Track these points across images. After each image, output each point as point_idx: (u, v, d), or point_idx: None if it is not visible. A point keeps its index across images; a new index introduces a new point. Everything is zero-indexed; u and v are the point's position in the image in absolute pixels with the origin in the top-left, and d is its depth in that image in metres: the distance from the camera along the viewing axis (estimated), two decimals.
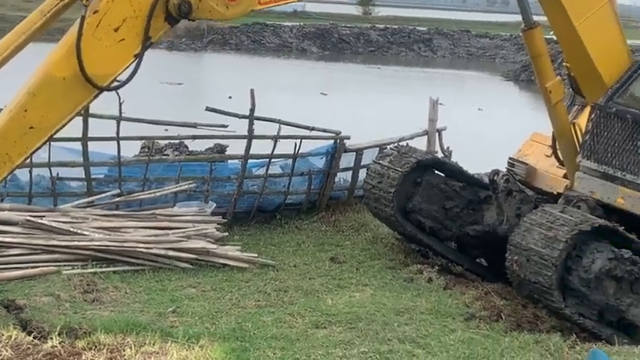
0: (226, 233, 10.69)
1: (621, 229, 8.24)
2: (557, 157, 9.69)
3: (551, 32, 9.07)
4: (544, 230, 8.07)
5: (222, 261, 9.79)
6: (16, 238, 9.22)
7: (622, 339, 8.00)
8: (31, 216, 9.55)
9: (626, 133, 8.62)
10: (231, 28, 59.86)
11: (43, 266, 8.86)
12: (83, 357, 5.77)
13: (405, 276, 9.81)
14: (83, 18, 5.66)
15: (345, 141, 12.47)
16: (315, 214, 12.23)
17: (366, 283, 9.55)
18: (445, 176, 10.45)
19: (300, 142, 11.99)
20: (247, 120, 11.41)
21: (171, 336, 6.84)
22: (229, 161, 12.38)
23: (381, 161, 10.47)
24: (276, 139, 11.69)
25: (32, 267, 8.82)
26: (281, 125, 11.70)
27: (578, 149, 9.19)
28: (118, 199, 10.88)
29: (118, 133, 10.88)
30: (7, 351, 5.75)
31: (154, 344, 6.20)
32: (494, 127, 26.19)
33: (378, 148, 12.84)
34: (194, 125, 11.93)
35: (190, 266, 9.60)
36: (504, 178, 9.53)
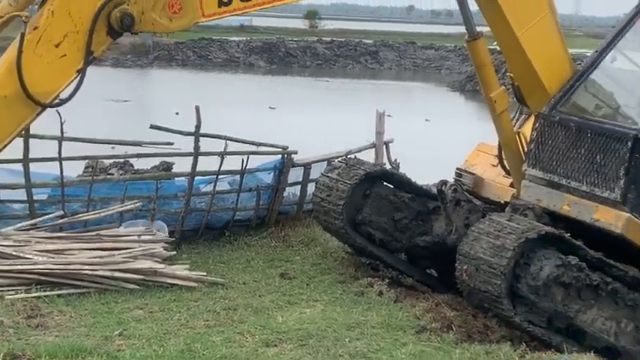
0: (174, 252, 10.54)
1: (568, 236, 8.30)
2: (503, 167, 9.74)
3: (495, 43, 9.13)
4: (492, 239, 8.10)
5: (170, 281, 9.63)
6: None
7: (571, 346, 8.03)
8: None
9: (569, 140, 8.69)
10: (177, 43, 59.64)
11: None
12: None
13: (356, 290, 9.75)
14: (23, 35, 5.53)
15: (292, 156, 12.41)
16: (265, 229, 12.13)
17: (317, 298, 9.47)
18: (394, 188, 10.45)
19: (248, 158, 11.90)
20: (193, 137, 11.30)
21: None
22: (176, 179, 12.24)
23: (329, 174, 10.45)
24: (222, 155, 11.58)
25: None
26: (228, 141, 11.60)
27: (524, 158, 9.25)
28: (61, 220, 10.67)
29: (60, 153, 10.68)
30: None
31: None
32: (441, 137, 26.37)
33: (326, 162, 12.81)
34: (139, 143, 11.77)
35: (137, 287, 9.43)
36: (452, 188, 9.56)
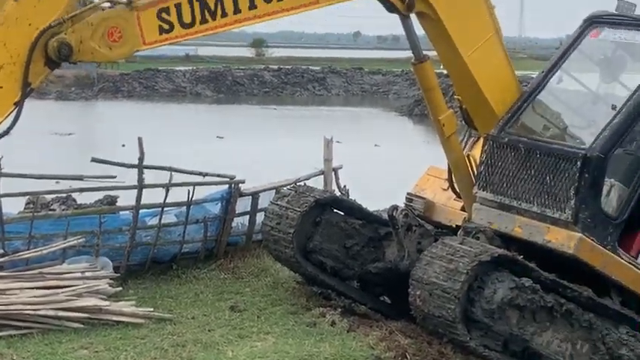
0: (120, 288, 10.25)
1: (520, 257, 8.25)
2: (453, 190, 9.71)
3: (442, 66, 9.11)
4: (445, 263, 8.03)
5: (116, 318, 9.36)
6: None
7: None
8: None
9: (519, 162, 8.68)
10: (122, 75, 59.32)
11: None
12: None
13: (308, 320, 9.57)
14: None
15: (240, 185, 12.24)
16: (213, 261, 11.90)
17: (268, 330, 9.26)
18: (344, 214, 10.36)
19: (194, 188, 11.69)
20: (137, 169, 11.06)
21: None
22: (120, 212, 11.96)
23: (278, 202, 10.33)
24: (167, 187, 11.36)
25: None
26: (173, 173, 11.39)
27: (474, 181, 9.21)
28: (2, 259, 10.31)
29: None
30: None
31: None
32: (391, 162, 26.42)
33: (274, 191, 12.65)
34: (80, 178, 11.50)
35: (82, 326, 9.14)
36: (403, 213, 9.51)
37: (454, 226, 9.69)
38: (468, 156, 9.46)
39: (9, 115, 5.68)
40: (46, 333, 8.95)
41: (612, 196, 8.46)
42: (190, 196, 11.66)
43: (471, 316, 7.98)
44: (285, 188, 11.23)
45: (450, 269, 7.94)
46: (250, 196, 12.45)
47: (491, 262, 8.04)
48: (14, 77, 5.57)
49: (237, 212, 12.27)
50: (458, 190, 9.64)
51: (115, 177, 11.50)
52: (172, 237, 11.91)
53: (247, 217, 12.56)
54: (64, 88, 54.38)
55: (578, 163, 8.19)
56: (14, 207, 12.30)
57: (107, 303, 9.49)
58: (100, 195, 14.65)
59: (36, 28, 5.58)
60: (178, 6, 6.14)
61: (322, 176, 13.91)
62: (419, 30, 8.56)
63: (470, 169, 9.32)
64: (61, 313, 9.12)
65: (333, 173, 14.04)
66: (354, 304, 10.33)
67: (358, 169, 18.41)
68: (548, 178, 8.42)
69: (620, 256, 8.48)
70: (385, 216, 9.92)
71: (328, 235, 10.10)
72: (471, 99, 9.03)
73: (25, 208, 13.37)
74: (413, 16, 8.23)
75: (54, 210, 13.50)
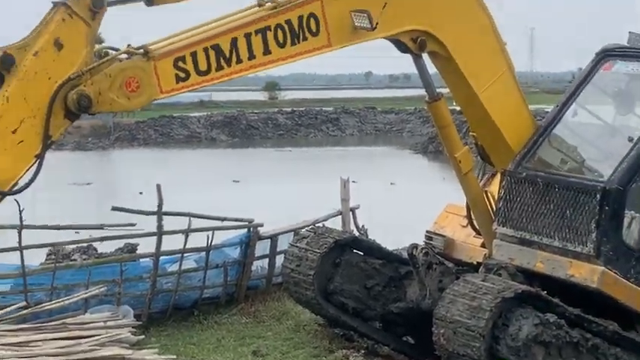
0: (142, 336, 10.23)
1: (544, 293, 8.18)
2: (473, 227, 9.67)
3: (455, 102, 9.14)
4: (468, 300, 7.97)
5: None
6: None
7: None
8: None
9: (537, 196, 8.64)
10: (138, 123, 59.70)
11: None
12: None
13: None
14: None
15: (259, 228, 12.26)
16: (234, 306, 11.89)
17: None
18: (364, 254, 10.33)
19: (213, 233, 11.73)
20: (156, 216, 11.10)
21: None
22: (140, 260, 11.99)
23: (298, 244, 10.32)
24: (187, 233, 11.39)
25: None
26: (192, 218, 11.43)
27: (493, 217, 9.17)
28: (24, 311, 10.32)
29: (20, 242, 10.42)
30: None
31: None
32: (408, 200, 26.36)
33: (293, 233, 12.65)
34: (101, 227, 11.56)
35: None
36: (423, 251, 9.44)
37: (475, 263, 9.63)
38: (486, 192, 9.43)
39: (30, 168, 5.70)
40: None
41: (633, 228, 8.40)
42: (210, 241, 11.69)
43: (496, 353, 7.89)
44: (304, 230, 11.23)
45: (473, 307, 7.88)
46: (269, 239, 12.45)
47: (514, 299, 7.97)
48: (35, 131, 5.58)
49: (256, 255, 12.28)
50: (477, 227, 9.60)
51: (134, 225, 11.54)
52: (193, 283, 11.92)
53: (267, 260, 12.56)
54: (81, 139, 54.79)
55: (598, 196, 8.14)
56: (36, 258, 12.37)
57: (130, 351, 9.45)
58: (120, 243, 14.70)
59: (55, 81, 5.62)
60: (194, 54, 6.20)
61: (340, 217, 13.91)
62: (431, 68, 8.60)
63: (488, 205, 9.29)
64: None
65: (350, 213, 14.04)
66: (377, 345, 10.23)
67: (375, 208, 18.36)
68: (568, 211, 8.37)
69: None
70: (405, 255, 9.89)
71: (348, 275, 10.05)
72: (487, 135, 9.04)
73: (46, 259, 13.45)
74: (425, 55, 8.27)
75: (75, 260, 13.55)
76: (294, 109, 70.08)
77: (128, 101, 5.98)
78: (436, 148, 42.98)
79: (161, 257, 11.36)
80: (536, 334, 7.85)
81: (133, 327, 10.23)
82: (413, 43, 7.86)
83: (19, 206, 9.64)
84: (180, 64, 6.14)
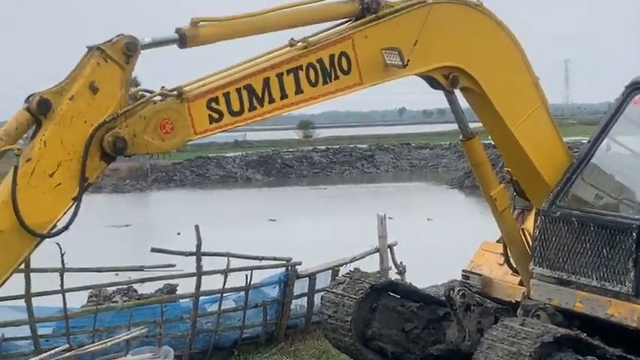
0: None
1: (583, 335, 8.04)
2: (509, 265, 9.45)
3: (489, 137, 9.08)
4: (507, 346, 7.83)
5: None
6: None
7: None
8: None
9: (573, 235, 8.45)
10: (174, 164, 60.29)
11: None
12: None
13: None
14: (16, 167, 5.48)
15: (297, 267, 12.30)
16: (274, 345, 11.90)
17: None
18: (401, 297, 10.20)
19: (251, 273, 11.79)
20: (195, 257, 11.20)
21: None
22: (180, 300, 12.07)
23: (334, 290, 10.20)
24: (226, 273, 11.46)
25: None
26: (230, 258, 11.51)
27: (530, 255, 9.06)
28: (68, 353, 10.37)
29: (62, 285, 10.58)
30: None
31: None
32: (445, 235, 26.25)
33: (331, 271, 12.68)
34: (140, 268, 11.68)
35: None
36: (460, 293, 9.33)
37: (514, 301, 9.52)
38: (523, 230, 9.31)
39: (68, 211, 5.77)
40: None
41: None
42: (248, 281, 11.74)
43: None
44: (340, 275, 11.16)
45: (512, 352, 7.75)
46: (307, 278, 12.47)
47: (554, 343, 7.82)
48: (71, 174, 5.58)
49: (295, 294, 12.30)
50: (514, 265, 9.49)
51: (174, 265, 11.65)
52: (232, 322, 11.97)
53: (305, 298, 12.57)
54: (118, 181, 55.42)
55: (634, 234, 7.96)
56: (78, 301, 12.50)
57: None
58: (160, 284, 14.81)
59: (91, 124, 5.62)
60: (227, 95, 6.19)
61: (378, 254, 13.89)
62: (464, 103, 8.57)
63: (525, 243, 9.16)
64: None
65: (388, 250, 14.01)
66: None
67: (413, 244, 18.33)
68: (604, 250, 8.20)
69: None
70: (443, 293, 9.82)
71: (386, 320, 9.95)
72: (522, 170, 8.95)
73: (88, 302, 13.56)
74: (457, 91, 8.26)
75: (116, 302, 13.66)
76: (329, 146, 70.35)
77: (163, 143, 5.96)
78: (472, 182, 42.78)
79: (200, 297, 11.43)
80: None
81: None
82: (445, 80, 7.82)
83: (61, 249, 9.79)
84: (214, 104, 6.14)
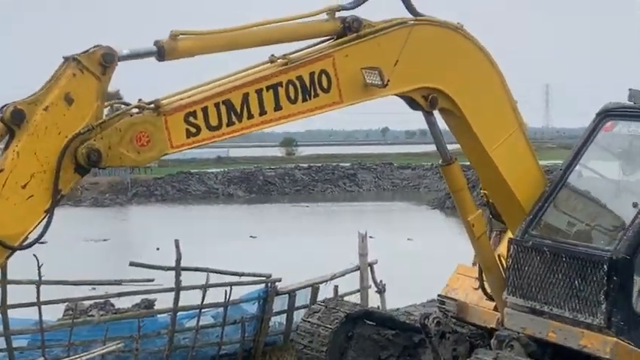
0: None
1: None
2: (484, 291, 9.32)
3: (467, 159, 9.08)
4: None
5: None
6: None
7: None
8: None
9: (545, 266, 8.34)
10: (155, 179, 60.09)
11: None
12: None
13: None
14: None
15: (276, 284, 12.27)
16: None
17: None
18: (376, 325, 10.20)
19: (231, 289, 11.75)
20: (174, 271, 11.17)
21: None
22: (158, 315, 12.03)
23: (309, 319, 10.14)
24: (205, 288, 11.43)
25: None
26: (210, 273, 11.48)
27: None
28: None
29: (38, 297, 10.51)
30: None
31: None
32: (425, 255, 26.30)
33: (310, 289, 12.67)
34: (119, 282, 11.63)
35: None
36: (435, 321, 9.36)
37: (489, 327, 9.48)
38: (499, 256, 9.24)
39: (40, 223, 5.56)
40: None
41: None
42: (227, 297, 11.71)
43: None
44: (319, 294, 11.10)
45: None
46: (287, 295, 12.45)
47: None
48: (45, 185, 5.49)
49: (274, 311, 12.27)
50: (488, 291, 9.43)
51: (152, 280, 11.61)
52: (210, 339, 11.92)
53: (284, 315, 12.54)
54: (98, 195, 55.19)
55: (605, 266, 7.86)
56: (53, 314, 12.41)
57: None
58: (137, 299, 14.74)
59: (65, 136, 5.56)
60: (205, 109, 6.14)
61: (358, 272, 13.89)
62: (443, 125, 8.55)
63: (501, 268, 9.10)
64: None
65: (368, 268, 14.02)
66: None
67: (393, 263, 18.34)
68: (576, 282, 8.06)
69: None
70: (420, 314, 9.79)
71: (362, 348, 9.90)
72: (498, 193, 8.91)
73: (64, 315, 13.48)
74: (437, 113, 8.26)
75: (93, 316, 13.59)
76: (311, 164, 70.43)
77: (138, 155, 5.88)
78: (453, 203, 42.41)
79: (179, 313, 11.39)
80: None
81: None
82: (424, 101, 7.79)
83: (38, 262, 9.73)
84: (191, 119, 6.08)
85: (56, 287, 11.06)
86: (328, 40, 6.99)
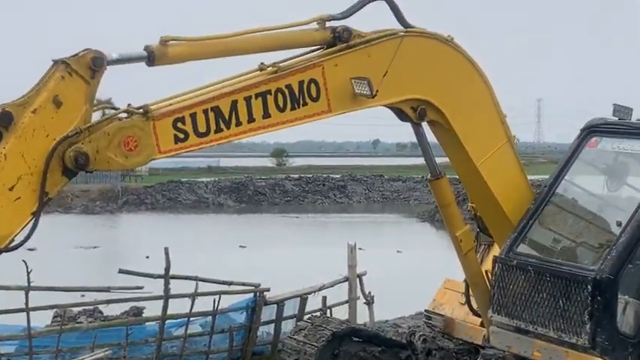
0: None
1: None
2: (470, 307, 9.40)
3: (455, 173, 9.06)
4: None
5: None
6: None
7: None
8: None
9: (530, 285, 8.33)
10: (146, 187, 59.95)
11: None
12: None
13: None
14: None
15: (265, 293, 12.27)
16: None
17: None
18: (363, 342, 10.19)
19: (219, 297, 11.76)
20: (163, 279, 11.18)
21: None
22: (147, 323, 12.02)
23: (295, 336, 10.11)
24: (193, 296, 11.44)
25: None
26: (199, 282, 11.48)
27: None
28: None
29: (27, 303, 10.48)
30: None
31: None
32: (414, 267, 26.31)
33: (299, 299, 12.69)
34: (107, 289, 11.62)
35: None
36: (422, 338, 9.39)
37: (475, 343, 9.48)
38: (486, 272, 9.22)
39: (26, 225, 5.59)
40: None
41: (628, 313, 8.00)
42: (216, 306, 11.71)
43: None
44: (301, 322, 10.96)
45: None
46: (275, 304, 12.45)
47: None
48: (32, 188, 5.52)
49: (262, 321, 12.26)
50: (474, 308, 9.42)
51: (141, 288, 11.60)
52: (198, 347, 11.92)
53: (272, 325, 12.54)
54: (89, 202, 55.02)
55: (589, 286, 7.85)
56: (41, 320, 12.38)
57: None
58: (126, 306, 14.71)
59: (53, 138, 5.59)
60: (193, 115, 6.17)
61: (347, 283, 13.90)
62: (432, 138, 8.54)
63: (488, 284, 9.07)
64: None
65: (357, 280, 14.03)
66: None
67: (382, 275, 18.36)
68: (560, 301, 8.05)
69: None
70: (407, 331, 9.81)
71: None
72: (486, 207, 8.88)
73: (52, 321, 13.45)
74: (425, 125, 8.25)
75: (81, 322, 13.56)
76: (302, 175, 70.35)
77: (126, 160, 5.92)
78: None
79: (167, 321, 11.38)
80: None
81: None
82: (413, 112, 7.80)
83: (27, 267, 9.72)
84: (180, 124, 6.12)
85: (45, 293, 11.04)
86: (318, 49, 7.04)
